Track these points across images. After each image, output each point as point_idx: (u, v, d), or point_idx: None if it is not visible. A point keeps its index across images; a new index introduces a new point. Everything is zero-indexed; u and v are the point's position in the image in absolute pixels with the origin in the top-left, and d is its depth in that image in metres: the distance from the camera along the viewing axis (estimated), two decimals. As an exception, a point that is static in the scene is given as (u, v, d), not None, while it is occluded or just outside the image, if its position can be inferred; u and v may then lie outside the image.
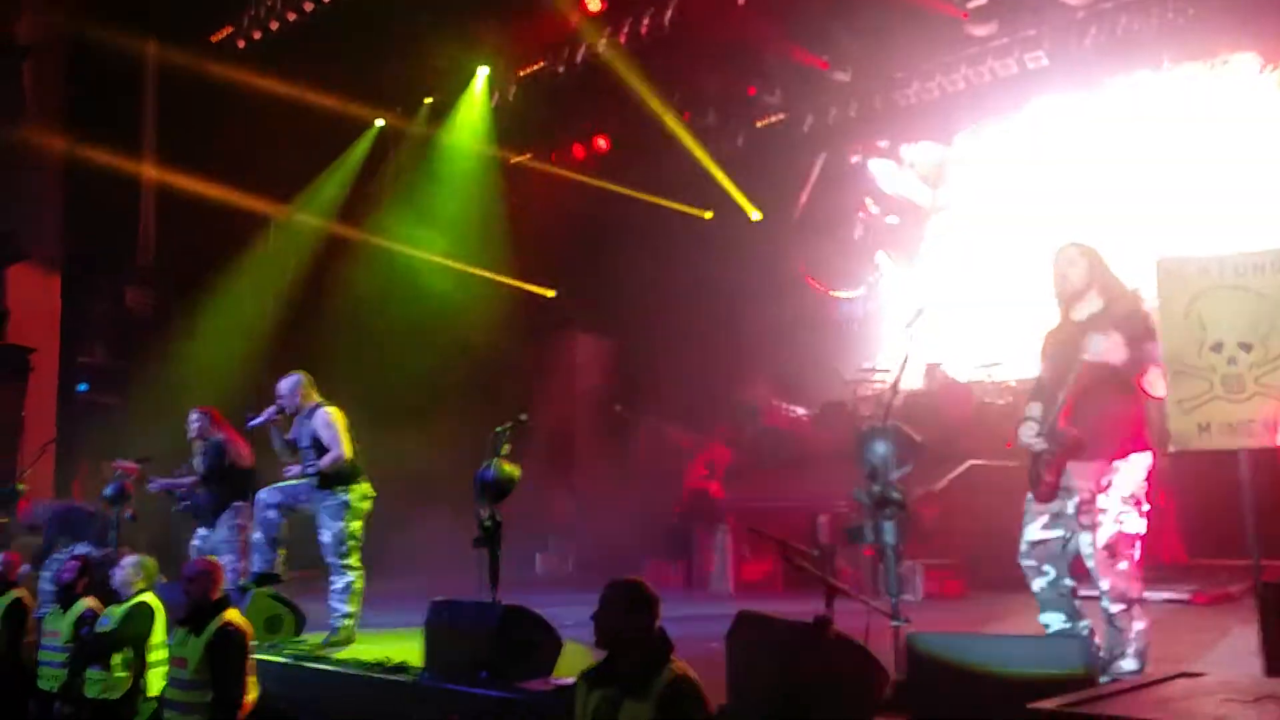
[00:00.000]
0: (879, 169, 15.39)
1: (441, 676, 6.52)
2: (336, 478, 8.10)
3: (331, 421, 8.10)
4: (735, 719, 4.69)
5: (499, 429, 7.19)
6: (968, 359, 13.07)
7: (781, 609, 5.51)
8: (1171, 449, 5.44)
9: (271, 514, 8.39)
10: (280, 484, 8.47)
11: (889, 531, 5.08)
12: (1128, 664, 5.09)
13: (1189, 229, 11.48)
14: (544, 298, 16.85)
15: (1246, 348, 5.18)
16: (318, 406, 8.25)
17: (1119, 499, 5.18)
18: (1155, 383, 5.28)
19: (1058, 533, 5.34)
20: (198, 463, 9.32)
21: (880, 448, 5.20)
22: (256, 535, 8.54)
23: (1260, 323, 5.17)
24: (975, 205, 14.53)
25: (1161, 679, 3.65)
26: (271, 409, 8.32)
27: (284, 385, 8.35)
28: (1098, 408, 5.23)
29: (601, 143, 16.26)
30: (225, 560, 8.49)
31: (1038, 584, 5.38)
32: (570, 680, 4.70)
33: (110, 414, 13.68)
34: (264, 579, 8.37)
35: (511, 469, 7.07)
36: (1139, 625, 5.15)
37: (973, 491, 10.18)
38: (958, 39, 13.01)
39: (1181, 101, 12.70)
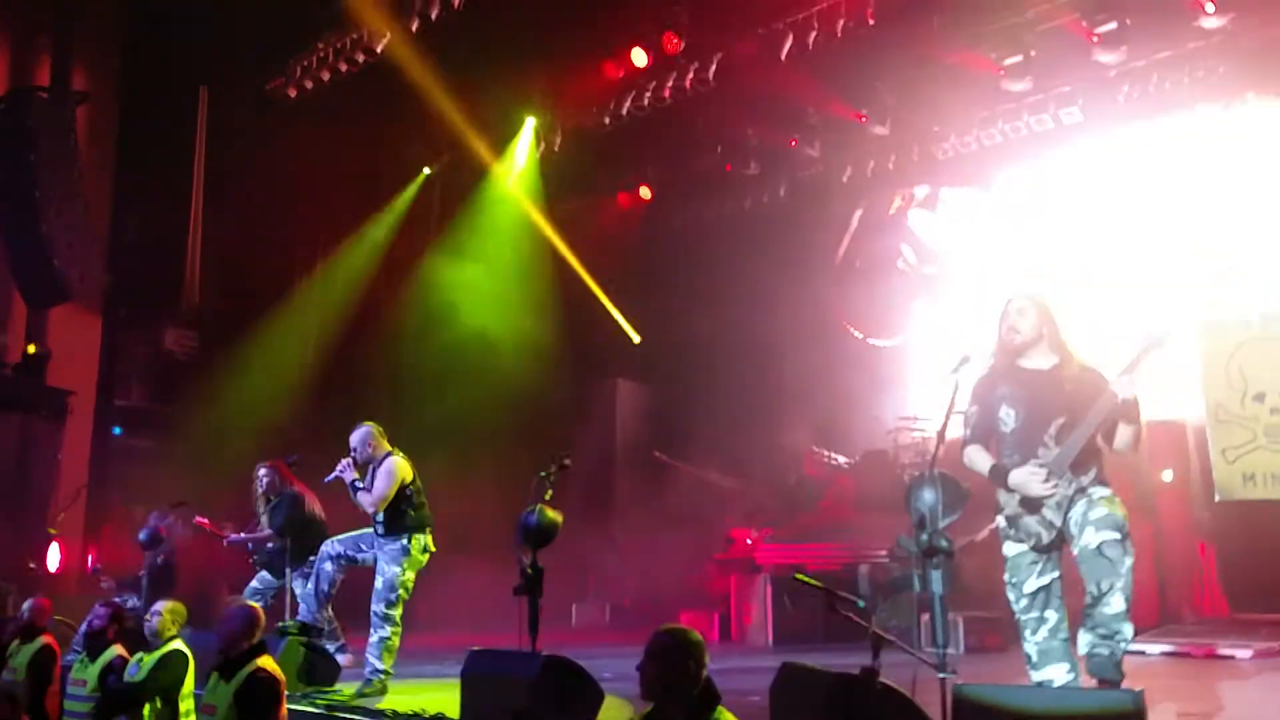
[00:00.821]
0: (917, 219, 15.42)
1: (479, 728, 6.44)
2: (402, 525, 8.10)
3: (390, 471, 8.09)
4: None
5: (543, 473, 7.13)
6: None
7: (824, 660, 5.46)
8: (1217, 498, 5.41)
9: (328, 566, 8.40)
10: (343, 535, 8.47)
11: (937, 581, 5.01)
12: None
13: (1225, 283, 11.40)
14: (584, 343, 16.74)
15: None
16: (388, 455, 8.26)
17: (1103, 487, 5.30)
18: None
19: (1053, 575, 5.41)
20: (266, 517, 9.37)
21: (928, 496, 5.15)
22: (309, 586, 8.55)
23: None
24: (1013, 256, 14.48)
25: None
26: (345, 461, 8.30)
27: (355, 437, 8.33)
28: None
29: (644, 192, 16.43)
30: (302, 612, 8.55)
31: (1040, 634, 5.38)
32: (612, 732, 4.64)
33: (145, 457, 13.71)
34: (303, 629, 8.35)
35: (555, 515, 6.98)
36: (1129, 561, 5.15)
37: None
38: (994, 94, 13.04)
39: (1217, 152, 12.65)
